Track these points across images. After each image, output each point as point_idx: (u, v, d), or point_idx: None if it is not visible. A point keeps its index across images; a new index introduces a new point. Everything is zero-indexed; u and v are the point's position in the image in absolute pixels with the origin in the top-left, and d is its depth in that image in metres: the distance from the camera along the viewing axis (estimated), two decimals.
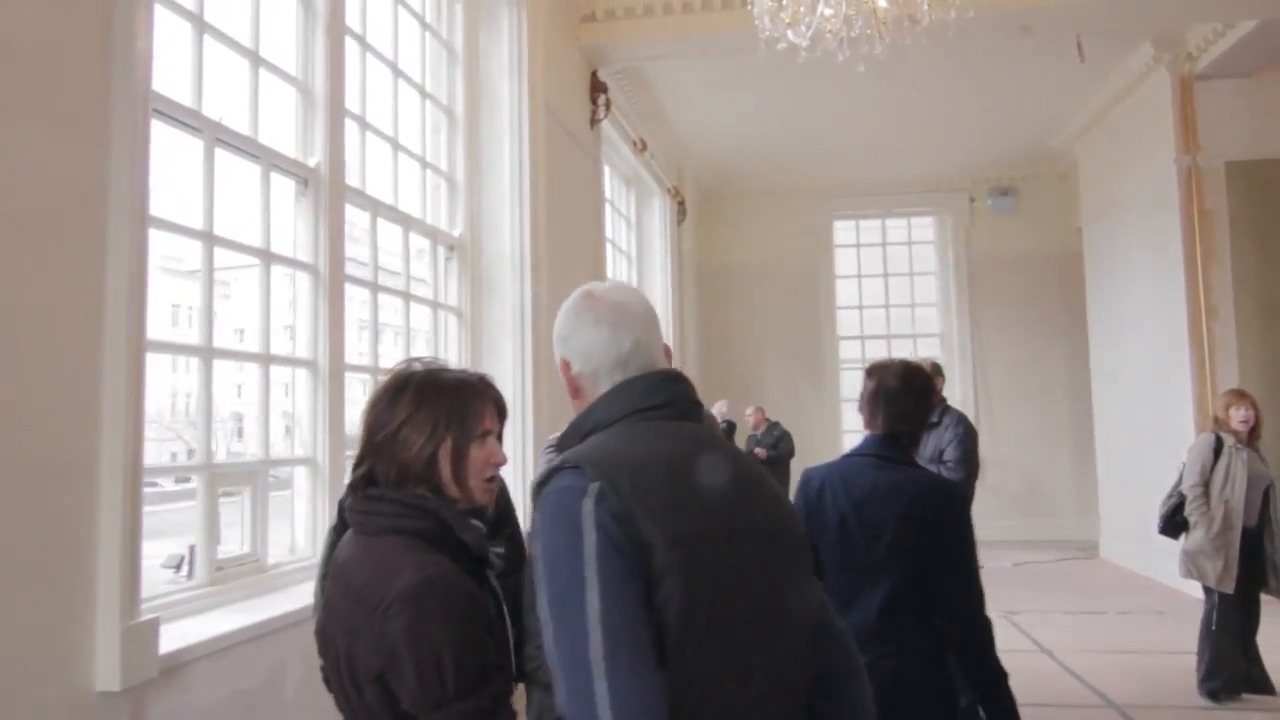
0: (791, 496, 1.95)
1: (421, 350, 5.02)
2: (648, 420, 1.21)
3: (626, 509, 1.08)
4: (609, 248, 8.01)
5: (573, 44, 5.82)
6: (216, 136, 2.98)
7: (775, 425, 8.83)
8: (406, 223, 4.30)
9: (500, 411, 1.54)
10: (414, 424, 1.41)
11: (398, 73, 4.33)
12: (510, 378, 4.81)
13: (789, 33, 3.54)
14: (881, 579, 2.04)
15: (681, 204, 9.18)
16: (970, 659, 2.02)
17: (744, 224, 10.50)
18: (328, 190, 3.53)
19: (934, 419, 4.09)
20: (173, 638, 2.29)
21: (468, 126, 4.93)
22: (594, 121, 6.12)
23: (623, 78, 6.76)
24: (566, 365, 1.33)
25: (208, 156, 2.95)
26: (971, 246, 10.34)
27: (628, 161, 8.18)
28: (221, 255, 3.11)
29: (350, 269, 3.91)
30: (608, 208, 8.10)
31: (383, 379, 1.53)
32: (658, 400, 1.23)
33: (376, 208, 4.01)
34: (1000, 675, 2.01)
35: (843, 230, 10.89)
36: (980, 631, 2.03)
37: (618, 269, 8.50)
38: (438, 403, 1.41)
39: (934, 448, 4.14)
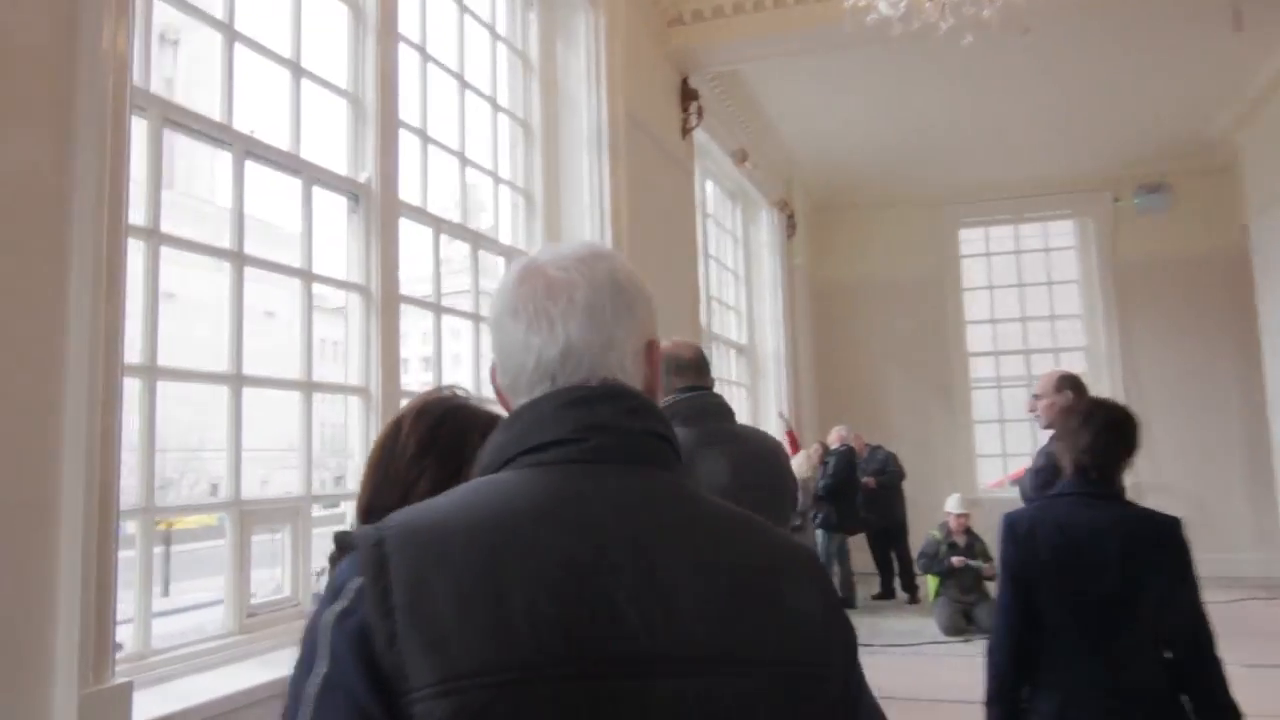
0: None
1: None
2: (535, 467, 0.81)
3: (387, 625, 0.68)
4: (712, 265, 7.64)
5: (660, 50, 5.51)
6: (247, 150, 2.80)
7: (879, 449, 8.20)
8: (475, 240, 4.06)
9: None
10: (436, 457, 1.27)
11: (464, 85, 4.12)
12: None
13: (880, 3, 3.09)
14: (1109, 619, 2.01)
15: (791, 217, 8.71)
16: (1205, 699, 2.01)
17: (860, 236, 9.90)
18: (379, 206, 3.31)
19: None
20: (167, 699, 2.04)
21: (545, 140, 4.68)
22: (685, 131, 5.78)
23: (717, 84, 6.40)
24: (493, 372, 0.94)
25: (237, 171, 2.76)
26: (1118, 250, 9.38)
27: (730, 174, 7.79)
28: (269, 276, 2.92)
29: (412, 290, 3.70)
30: (711, 224, 7.74)
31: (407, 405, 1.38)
32: (550, 436, 0.81)
33: (439, 225, 3.78)
34: (1237, 716, 2.01)
35: (970, 239, 10.11)
36: (1215, 670, 2.02)
37: (723, 288, 8.11)
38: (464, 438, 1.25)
39: None
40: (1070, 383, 3.47)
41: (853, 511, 7.96)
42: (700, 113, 5.80)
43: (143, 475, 2.36)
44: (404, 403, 3.25)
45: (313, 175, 3.08)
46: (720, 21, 5.39)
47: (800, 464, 7.42)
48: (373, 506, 1.25)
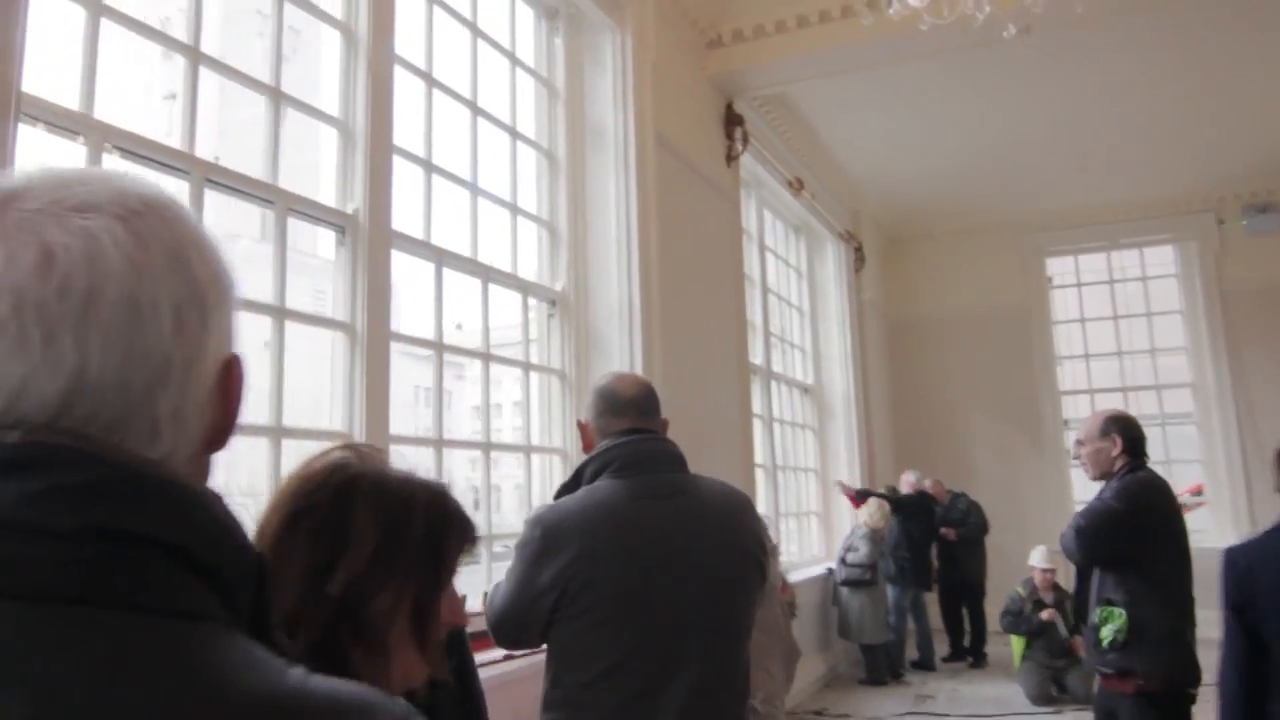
0: None
1: (512, 420, 4.49)
2: None
3: None
4: (773, 301, 7.25)
5: (699, 74, 5.24)
6: (206, 177, 2.61)
7: (960, 496, 7.56)
8: (485, 274, 3.81)
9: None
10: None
11: (478, 112, 3.91)
12: None
13: None
14: None
15: (859, 250, 8.26)
16: None
17: (936, 268, 9.35)
18: (367, 238, 3.09)
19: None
20: None
21: (571, 170, 4.43)
22: (730, 158, 5.47)
23: (766, 109, 6.08)
24: None
25: (194, 200, 2.57)
26: (1225, 276, 8.56)
27: (790, 206, 7.42)
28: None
29: (460, 340, 3.46)
30: (770, 258, 7.37)
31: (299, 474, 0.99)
32: None
33: (441, 257, 3.54)
34: None
35: (1058, 268, 9.43)
36: None
37: (787, 324, 7.70)
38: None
39: None
40: (1119, 425, 2.96)
41: (926, 564, 7.35)
42: (746, 139, 5.48)
43: None
44: (393, 451, 2.99)
45: (288, 205, 2.88)
46: (762, 41, 5.08)
47: (872, 513, 6.87)
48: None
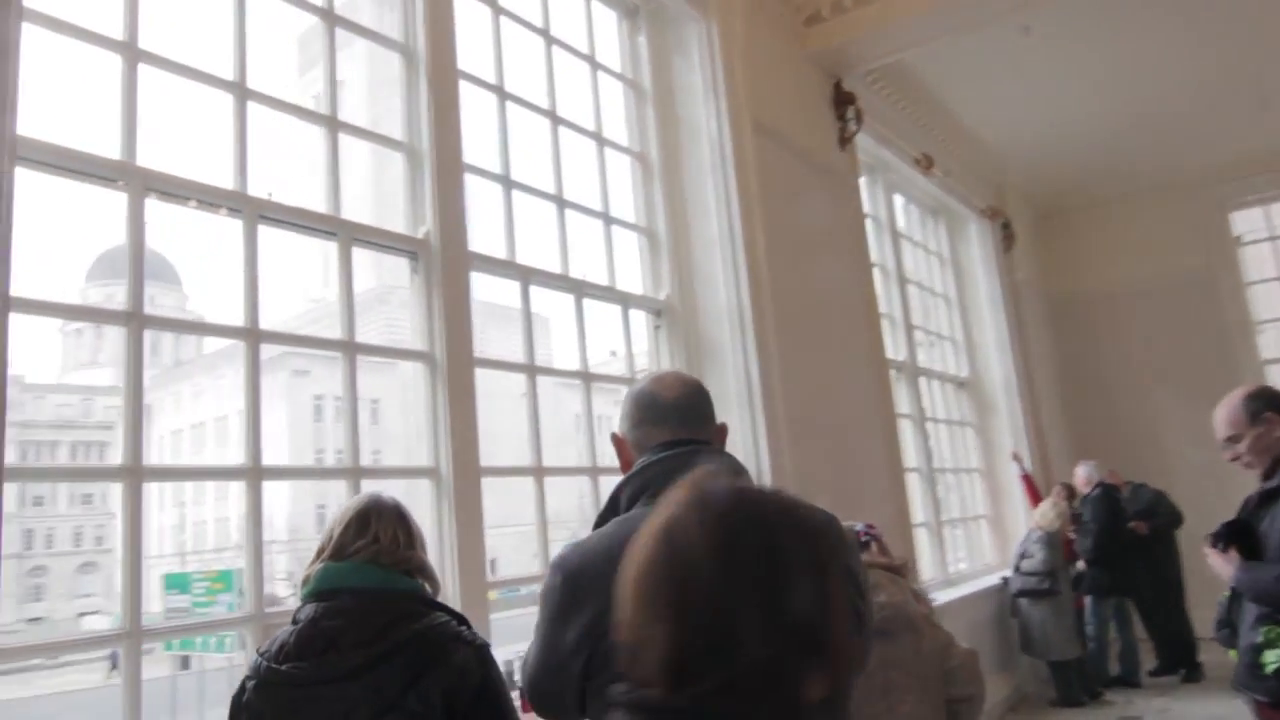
0: None
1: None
2: None
3: None
4: (913, 291, 6.71)
5: (800, 54, 4.86)
6: (260, 214, 2.52)
7: (1142, 487, 6.69)
8: (579, 290, 3.60)
9: None
10: None
11: (558, 121, 3.72)
12: (741, 453, 3.82)
13: None
14: None
15: (1006, 227, 7.56)
16: None
17: (1098, 239, 8.44)
18: (439, 261, 2.93)
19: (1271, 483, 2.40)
20: None
21: (666, 172, 4.17)
22: (844, 140, 5.05)
23: (881, 83, 5.61)
24: None
25: (249, 238, 2.48)
26: None
27: (922, 187, 6.87)
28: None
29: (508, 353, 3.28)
30: (906, 245, 6.84)
31: None
32: None
33: (528, 276, 3.35)
34: None
35: (1245, 223, 8.31)
36: None
37: (932, 315, 7.11)
38: None
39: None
40: (1268, 399, 2.39)
41: (1128, 566, 6.54)
42: (860, 118, 5.05)
43: None
44: (483, 482, 2.79)
45: (352, 234, 2.76)
46: (865, 9, 4.66)
47: (1047, 515, 6.17)
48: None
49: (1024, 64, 5.85)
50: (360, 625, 1.48)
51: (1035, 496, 6.71)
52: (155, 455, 46.98)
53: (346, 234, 2.74)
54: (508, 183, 3.40)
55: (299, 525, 42.63)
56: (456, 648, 1.52)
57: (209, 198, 2.43)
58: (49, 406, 56.62)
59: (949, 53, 5.51)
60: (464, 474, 2.84)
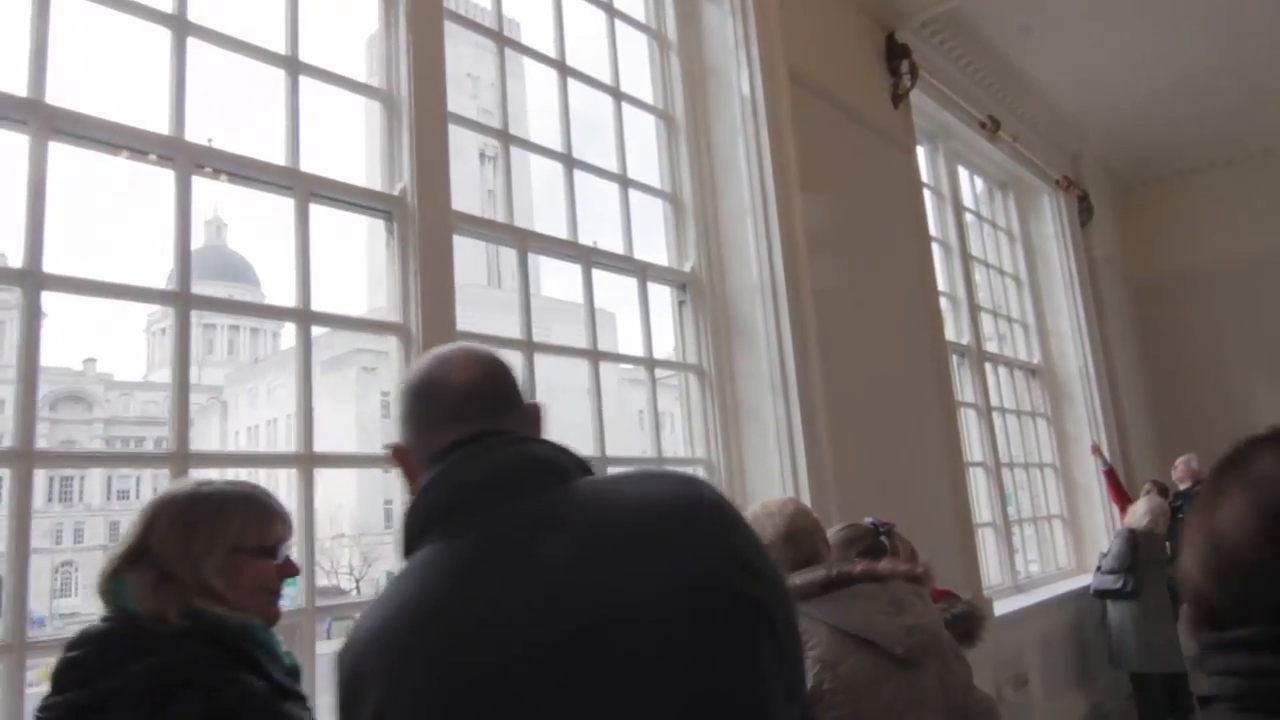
0: None
1: (640, 429, 3.86)
2: None
3: None
4: (978, 270, 6.17)
5: (849, 3, 4.39)
6: (196, 162, 2.19)
7: None
8: (587, 258, 3.21)
9: None
10: None
11: (567, 73, 3.34)
12: (774, 443, 3.40)
13: None
14: None
15: (1083, 199, 6.93)
16: None
17: (1186, 211, 7.71)
18: (416, 223, 2.58)
19: None
20: None
21: (693, 130, 3.76)
22: (898, 98, 4.56)
23: (941, 36, 5.10)
24: None
25: (181, 189, 2.15)
26: None
27: (988, 155, 6.31)
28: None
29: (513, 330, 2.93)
30: (971, 221, 6.30)
31: None
32: None
33: (525, 242, 2.98)
34: None
35: None
36: None
37: (1000, 296, 6.55)
38: None
39: None
40: None
41: None
42: (914, 72, 4.55)
43: None
44: None
45: (310, 189, 2.42)
46: None
47: (1140, 516, 5.52)
48: None
49: (1104, 12, 5.26)
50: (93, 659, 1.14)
51: (1117, 494, 6.10)
52: (231, 449, 48.21)
53: (303, 188, 2.40)
54: (506, 137, 3.03)
55: (367, 521, 43.34)
56: (180, 696, 1.12)
57: (135, 143, 2.11)
58: (135, 403, 58.67)
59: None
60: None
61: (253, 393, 55.76)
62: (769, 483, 3.41)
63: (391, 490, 44.11)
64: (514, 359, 2.95)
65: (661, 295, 3.64)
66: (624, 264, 3.38)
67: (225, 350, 61.88)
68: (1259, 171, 7.38)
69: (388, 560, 36.64)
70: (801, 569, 1.81)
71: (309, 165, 2.45)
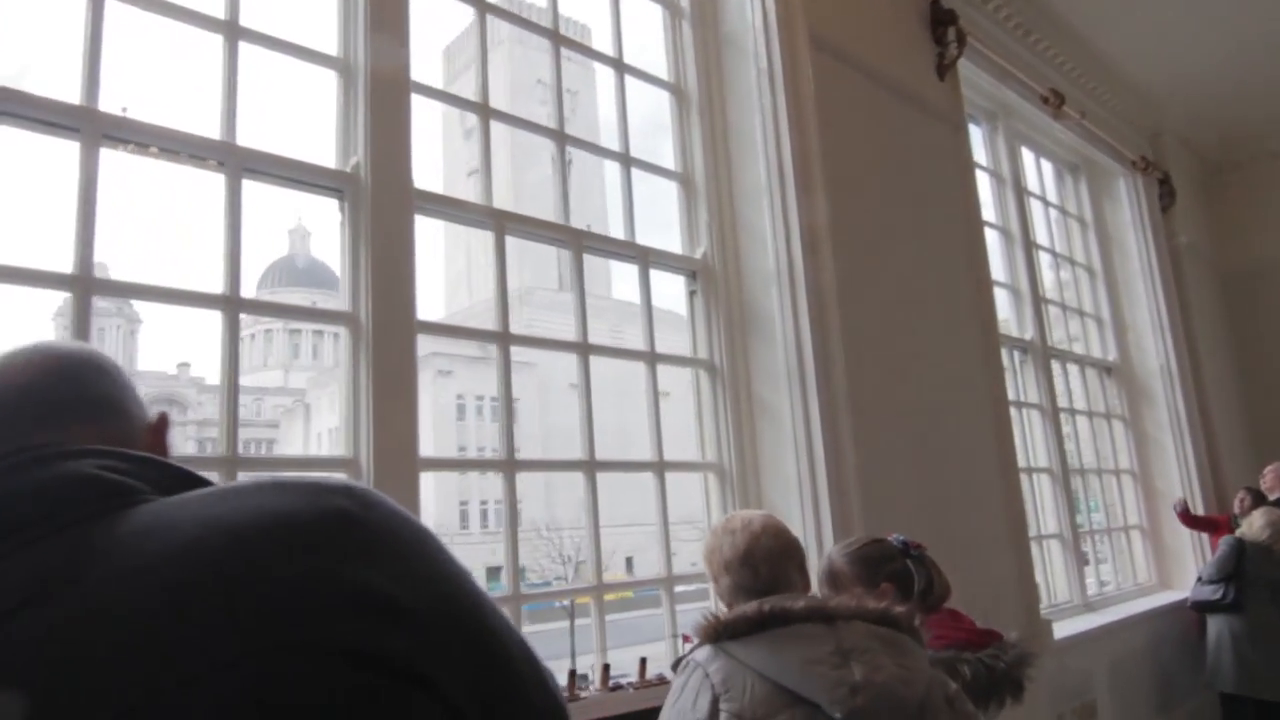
0: None
1: (638, 438, 3.59)
2: None
3: None
4: (1044, 261, 5.69)
5: None
6: (104, 133, 1.98)
7: None
8: (577, 242, 2.92)
9: None
10: None
11: (561, 42, 3.06)
12: (791, 448, 3.05)
13: None
14: None
15: (1164, 182, 6.34)
16: None
17: None
18: (370, 200, 2.34)
19: None
20: None
21: (707, 103, 3.45)
22: (943, 69, 4.15)
23: (995, 1, 4.66)
24: None
25: (86, 162, 1.95)
26: None
27: (1059, 139, 5.81)
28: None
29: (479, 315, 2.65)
30: (1037, 206, 5.81)
31: None
32: None
33: (503, 225, 2.71)
34: None
35: None
36: None
37: (1068, 289, 6.03)
38: None
39: None
40: None
41: None
42: (961, 40, 4.14)
43: None
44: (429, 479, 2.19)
45: (243, 163, 2.19)
46: None
47: (1259, 528, 4.90)
48: None
49: None
50: None
51: (1199, 523, 5.51)
52: (314, 451, 49.48)
53: (236, 162, 2.17)
54: (486, 111, 2.77)
55: (444, 522, 43.92)
56: None
57: (44, 114, 1.92)
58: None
59: None
60: (398, 466, 2.23)
61: (333, 396, 57.19)
62: (786, 491, 3.07)
63: (467, 492, 44.73)
64: (490, 352, 2.70)
65: (676, 285, 3.35)
66: (622, 249, 3.09)
67: (310, 355, 63.68)
68: None
69: (462, 560, 37.03)
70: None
71: (251, 140, 2.23)
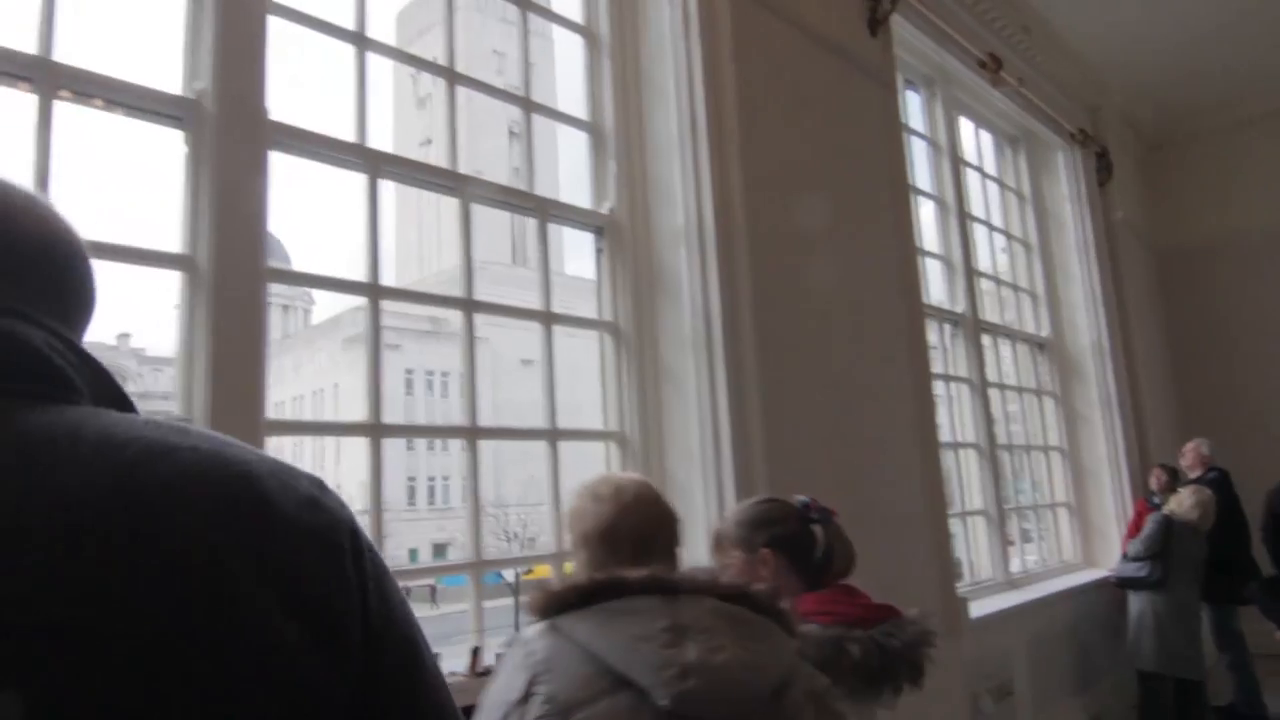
0: None
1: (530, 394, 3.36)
2: None
3: None
4: (980, 232, 5.58)
5: None
6: None
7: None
8: (464, 190, 2.69)
9: None
10: None
11: None
12: (695, 417, 2.88)
13: None
14: None
15: (1102, 156, 6.27)
16: None
17: (1223, 174, 7.01)
18: (215, 132, 2.08)
19: None
20: None
21: (619, 51, 3.23)
22: (875, 24, 3.97)
23: None
24: None
25: None
26: None
27: (1001, 111, 5.69)
28: None
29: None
30: (974, 178, 5.70)
31: None
32: None
33: (378, 166, 2.47)
34: None
35: None
36: None
37: (1004, 262, 5.94)
38: None
39: None
40: None
41: (1243, 563, 5.30)
42: None
43: None
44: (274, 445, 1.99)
45: (57, 81, 1.92)
46: None
47: (1188, 507, 4.86)
48: None
49: None
50: None
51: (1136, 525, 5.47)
52: None
53: (49, 80, 1.91)
54: (361, 40, 2.52)
55: (392, 497, 43.41)
56: None
57: None
58: (165, 379, 59.30)
59: None
60: (243, 427, 2.00)
61: (280, 369, 55.98)
62: (689, 463, 2.90)
63: (415, 468, 44.15)
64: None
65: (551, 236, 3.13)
66: (515, 200, 2.87)
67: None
68: None
69: (403, 536, 36.66)
70: None
71: (83, 60, 1.97)
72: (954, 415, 4.83)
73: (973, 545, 4.80)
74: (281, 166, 2.06)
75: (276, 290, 60.44)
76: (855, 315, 3.55)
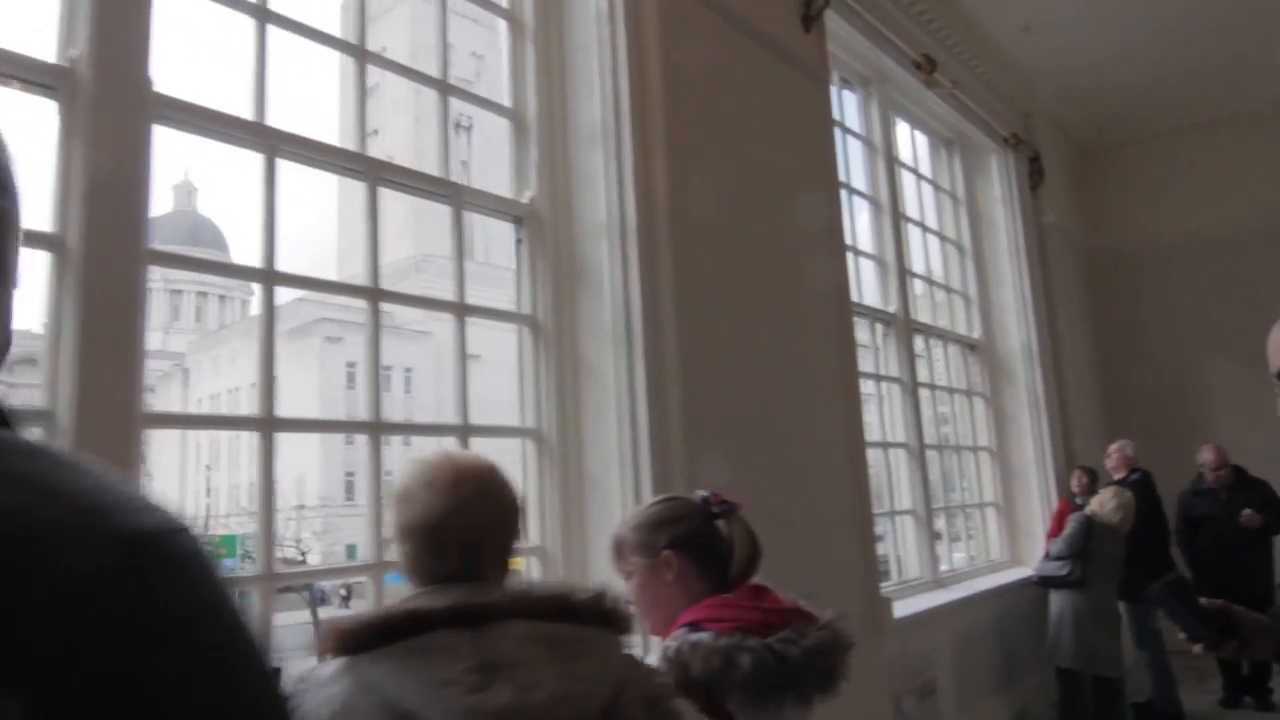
0: None
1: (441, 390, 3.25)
2: None
3: None
4: (914, 234, 5.60)
5: None
6: None
7: (1243, 472, 5.54)
8: (374, 174, 2.57)
9: None
10: None
11: None
12: (614, 414, 2.80)
13: None
14: None
15: (1034, 160, 6.35)
16: None
17: (1150, 180, 7.16)
18: (89, 101, 1.94)
19: None
20: None
21: (542, 36, 3.13)
22: (809, 20, 3.94)
23: None
24: None
25: None
26: None
27: (932, 110, 5.72)
28: None
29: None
30: (909, 179, 5.72)
31: None
32: None
33: (275, 145, 2.34)
34: None
35: None
36: None
37: (938, 263, 5.97)
38: None
39: None
40: None
41: (1164, 560, 5.40)
42: None
43: None
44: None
45: None
46: None
47: (1110, 509, 4.92)
48: None
49: None
50: None
51: (1058, 523, 5.54)
52: None
53: None
54: (262, 13, 2.38)
55: (328, 492, 42.55)
56: None
57: None
58: (29, 370, 57.30)
59: None
60: (105, 426, 1.86)
61: (215, 360, 54.57)
62: (607, 461, 2.82)
63: (354, 463, 43.34)
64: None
65: (498, 231, 3.02)
66: (427, 185, 2.75)
67: (193, 317, 60.44)
68: (1225, 139, 6.84)
69: (346, 532, 35.92)
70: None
71: None
72: (885, 415, 4.83)
73: (901, 544, 4.81)
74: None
75: (213, 281, 58.86)
76: (781, 312, 3.50)
